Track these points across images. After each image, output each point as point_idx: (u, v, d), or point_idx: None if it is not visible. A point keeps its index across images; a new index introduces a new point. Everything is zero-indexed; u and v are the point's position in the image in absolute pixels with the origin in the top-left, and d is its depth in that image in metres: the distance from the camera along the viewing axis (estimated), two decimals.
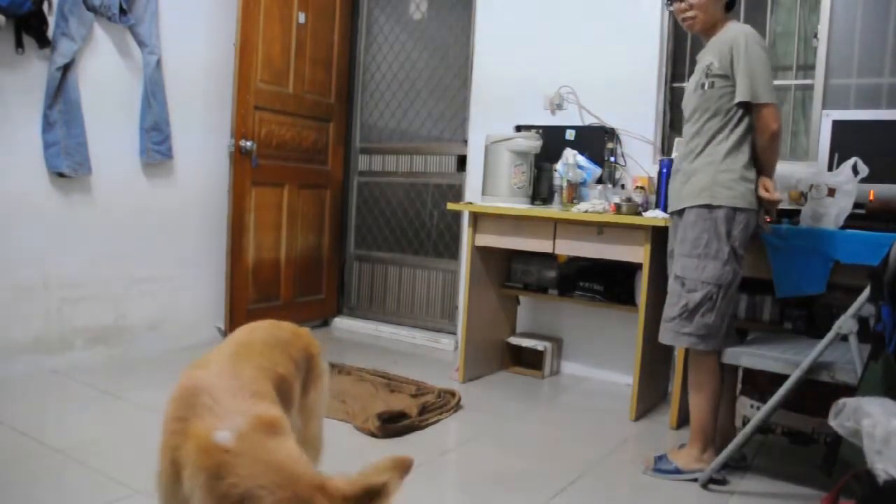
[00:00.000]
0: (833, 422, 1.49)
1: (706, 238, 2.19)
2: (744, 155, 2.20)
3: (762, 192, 2.19)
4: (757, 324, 2.66)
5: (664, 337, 2.32)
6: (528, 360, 3.50)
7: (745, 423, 2.37)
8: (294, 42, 3.92)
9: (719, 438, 2.32)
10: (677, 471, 2.26)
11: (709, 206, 2.19)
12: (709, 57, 2.25)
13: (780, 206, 2.39)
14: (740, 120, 2.20)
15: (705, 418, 2.26)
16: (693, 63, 2.44)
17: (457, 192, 4.02)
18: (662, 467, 2.29)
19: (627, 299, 3.12)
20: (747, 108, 2.19)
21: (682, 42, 3.30)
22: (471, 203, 3.37)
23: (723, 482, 2.23)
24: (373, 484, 1.03)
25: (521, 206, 3.09)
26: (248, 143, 3.65)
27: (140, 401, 2.72)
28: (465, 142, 3.92)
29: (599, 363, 3.46)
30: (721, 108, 2.21)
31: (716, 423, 2.29)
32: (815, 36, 2.99)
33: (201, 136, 3.64)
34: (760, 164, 2.22)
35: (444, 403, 2.83)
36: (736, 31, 2.20)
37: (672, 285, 2.30)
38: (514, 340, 3.51)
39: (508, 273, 3.46)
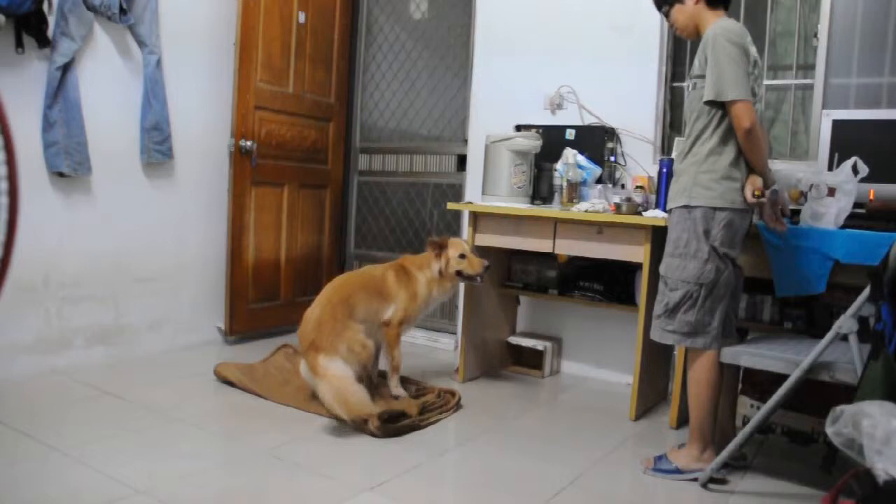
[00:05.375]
0: (829, 430, 1.48)
1: (686, 238, 2.21)
2: (729, 154, 2.18)
3: (746, 192, 2.17)
4: (757, 324, 2.66)
5: (653, 334, 2.34)
6: (528, 360, 3.50)
7: (745, 423, 2.37)
8: (294, 42, 3.92)
9: (719, 438, 2.32)
10: (677, 471, 2.26)
11: (687, 207, 2.20)
12: (696, 59, 2.26)
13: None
14: (722, 119, 2.18)
15: (704, 418, 2.26)
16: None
17: (457, 192, 4.02)
18: (662, 467, 2.29)
19: (627, 299, 3.12)
20: (723, 106, 2.17)
21: (682, 42, 3.29)
22: (471, 203, 3.37)
23: (723, 482, 2.23)
24: None
25: (521, 206, 3.09)
26: (248, 143, 3.65)
27: (140, 401, 2.72)
28: (465, 141, 3.92)
29: (599, 363, 3.46)
30: (703, 108, 2.21)
31: (715, 422, 2.30)
32: (815, 35, 2.99)
33: (201, 136, 3.64)
34: (749, 162, 2.21)
35: (444, 403, 2.83)
36: (710, 31, 2.19)
37: (659, 284, 2.33)
38: (514, 340, 3.51)
39: (508, 273, 3.46)
